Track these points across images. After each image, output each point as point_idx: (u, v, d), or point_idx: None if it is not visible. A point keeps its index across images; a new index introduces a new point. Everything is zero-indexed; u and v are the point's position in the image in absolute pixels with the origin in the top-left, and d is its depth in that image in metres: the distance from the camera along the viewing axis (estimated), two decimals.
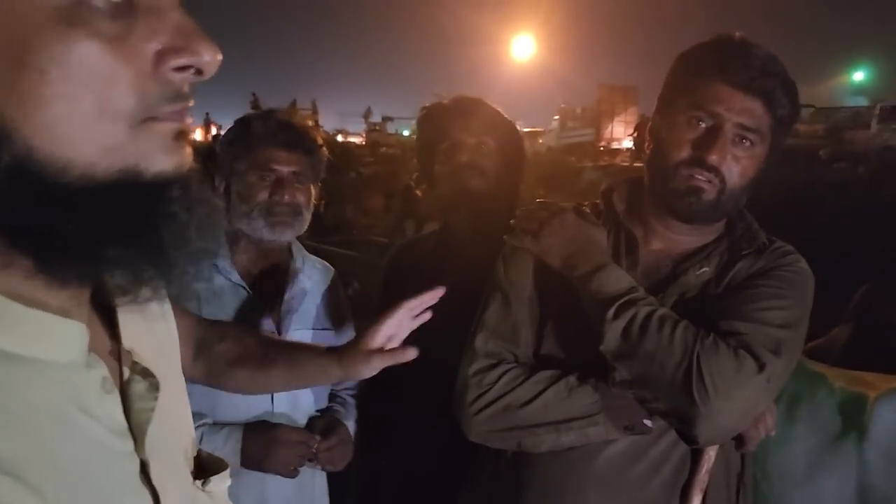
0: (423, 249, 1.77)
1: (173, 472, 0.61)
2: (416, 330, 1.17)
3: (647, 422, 1.14)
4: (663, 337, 1.08)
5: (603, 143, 23.57)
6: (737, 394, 1.06)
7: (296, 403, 1.55)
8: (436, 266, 1.65)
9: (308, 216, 1.60)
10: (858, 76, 43.94)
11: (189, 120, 0.53)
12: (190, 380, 1.18)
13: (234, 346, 1.19)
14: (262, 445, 1.44)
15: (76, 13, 0.46)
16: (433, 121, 1.72)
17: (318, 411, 1.61)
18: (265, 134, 1.54)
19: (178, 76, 0.51)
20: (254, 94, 16.57)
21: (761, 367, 1.06)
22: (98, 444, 0.53)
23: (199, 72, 0.52)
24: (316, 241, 2.39)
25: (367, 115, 33.51)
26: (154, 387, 0.60)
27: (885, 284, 1.44)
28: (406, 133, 25.34)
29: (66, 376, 0.52)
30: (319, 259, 1.73)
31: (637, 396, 1.13)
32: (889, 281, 1.44)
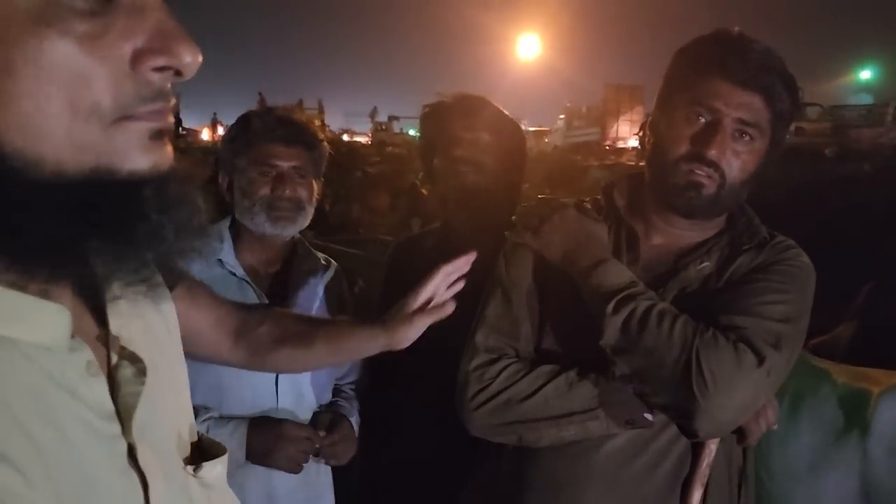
0: (424, 246, 1.77)
1: (163, 456, 0.62)
2: None
3: (648, 416, 1.14)
4: (663, 331, 1.09)
5: (608, 142, 23.57)
6: (736, 387, 1.06)
7: (300, 398, 1.56)
8: (436, 262, 1.65)
9: (310, 210, 1.61)
10: (865, 74, 43.76)
11: (170, 119, 0.53)
12: (232, 364, 1.19)
13: (275, 326, 1.19)
14: (267, 441, 1.45)
15: (48, 12, 0.46)
16: (435, 118, 1.72)
17: (321, 406, 1.62)
18: (264, 130, 1.55)
19: (156, 76, 0.51)
20: (260, 94, 16.59)
21: (761, 360, 1.06)
22: (83, 426, 0.53)
23: (178, 73, 0.52)
24: (322, 240, 2.40)
25: (373, 114, 33.58)
26: (142, 371, 0.60)
27: (890, 282, 1.43)
28: (412, 132, 25.35)
29: (50, 359, 0.52)
30: (323, 254, 1.74)
31: (637, 391, 1.13)
32: (894, 279, 1.43)
